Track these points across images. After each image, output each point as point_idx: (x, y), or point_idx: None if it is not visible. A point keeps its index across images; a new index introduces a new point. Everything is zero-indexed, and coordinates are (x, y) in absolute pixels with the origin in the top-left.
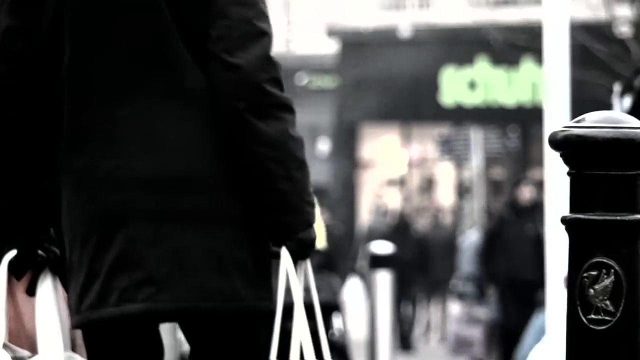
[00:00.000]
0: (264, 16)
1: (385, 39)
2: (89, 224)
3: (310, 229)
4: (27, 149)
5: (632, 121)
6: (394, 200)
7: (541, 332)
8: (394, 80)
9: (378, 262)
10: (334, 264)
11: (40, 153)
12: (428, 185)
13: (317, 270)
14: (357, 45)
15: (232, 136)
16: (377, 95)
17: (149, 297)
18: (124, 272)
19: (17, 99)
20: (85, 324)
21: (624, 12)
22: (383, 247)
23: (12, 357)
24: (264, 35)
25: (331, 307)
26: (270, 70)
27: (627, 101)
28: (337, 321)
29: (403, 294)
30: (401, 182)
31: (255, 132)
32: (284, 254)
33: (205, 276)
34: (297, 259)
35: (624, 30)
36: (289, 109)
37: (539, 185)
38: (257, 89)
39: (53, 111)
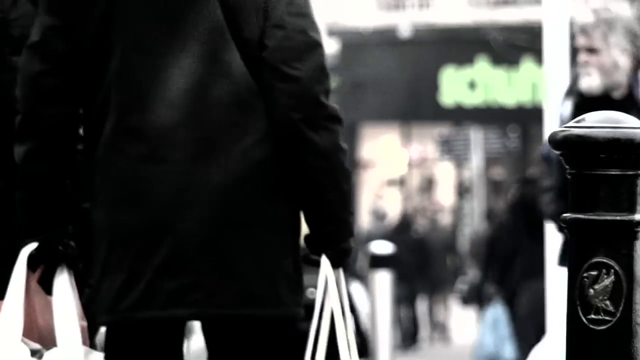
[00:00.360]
0: (316, 26)
1: (385, 39)
2: (135, 226)
3: (351, 239)
4: (58, 146)
5: (632, 121)
6: (394, 200)
7: (495, 324)
8: (394, 80)
9: (378, 262)
10: (348, 265)
11: (69, 152)
12: (428, 185)
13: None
14: (357, 45)
15: (284, 146)
16: (377, 95)
17: (197, 302)
18: (171, 275)
19: (57, 98)
20: (123, 324)
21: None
22: (383, 247)
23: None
24: (319, 46)
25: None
26: (325, 81)
27: (568, 105)
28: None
29: (404, 294)
30: (401, 182)
31: (308, 143)
32: (324, 261)
33: (253, 282)
34: (334, 267)
35: None
36: (339, 120)
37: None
38: (314, 101)
39: (88, 112)
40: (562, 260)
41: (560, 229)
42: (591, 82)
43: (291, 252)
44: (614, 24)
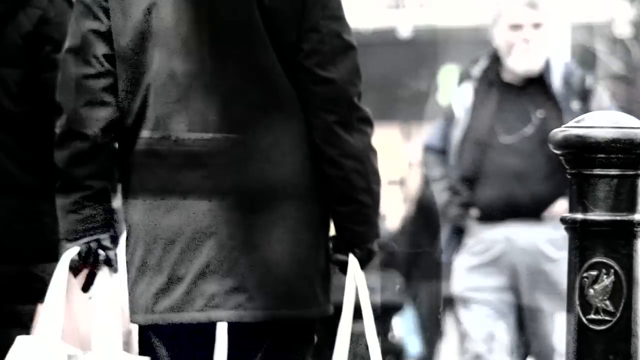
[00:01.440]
0: (349, 29)
1: (385, 39)
2: (176, 229)
3: (376, 240)
4: (102, 149)
5: (632, 121)
6: (394, 200)
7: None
8: (394, 80)
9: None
10: (396, 262)
11: (111, 155)
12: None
13: (381, 268)
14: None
15: (319, 148)
16: (377, 95)
17: (239, 305)
18: (213, 278)
19: (100, 101)
20: (161, 325)
21: (624, 12)
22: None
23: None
24: (353, 49)
25: (393, 308)
26: (358, 84)
27: (468, 87)
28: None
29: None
30: (401, 182)
31: (343, 145)
32: (353, 261)
33: (292, 284)
34: (361, 267)
35: (624, 30)
36: (370, 123)
37: None
38: (349, 103)
39: (125, 116)
40: (446, 250)
41: (455, 219)
42: (531, 64)
43: (324, 252)
44: None
